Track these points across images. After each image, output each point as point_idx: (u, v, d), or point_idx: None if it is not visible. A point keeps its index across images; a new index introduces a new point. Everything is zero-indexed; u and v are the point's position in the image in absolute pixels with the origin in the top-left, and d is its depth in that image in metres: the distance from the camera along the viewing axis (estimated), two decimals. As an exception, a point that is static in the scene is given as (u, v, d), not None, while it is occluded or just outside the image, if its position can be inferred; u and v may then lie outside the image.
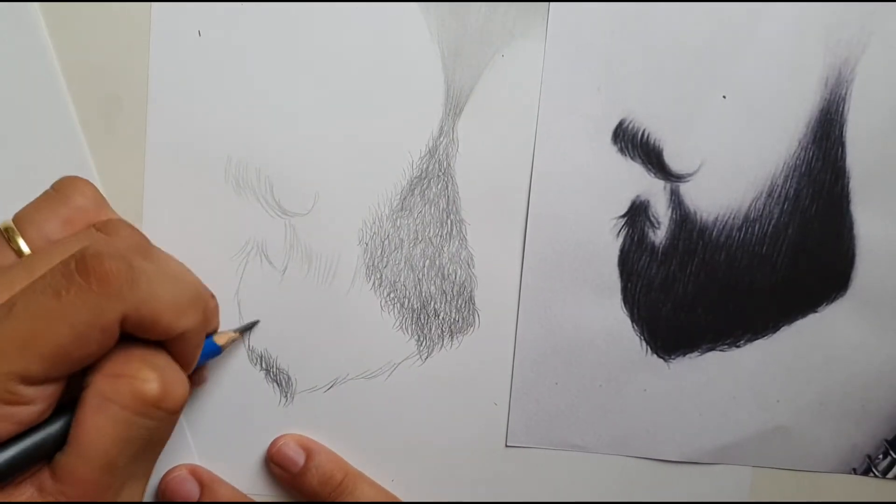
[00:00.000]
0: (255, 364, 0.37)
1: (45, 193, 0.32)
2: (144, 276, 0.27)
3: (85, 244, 0.29)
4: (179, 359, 0.30)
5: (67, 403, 0.28)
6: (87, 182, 0.33)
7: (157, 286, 0.28)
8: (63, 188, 0.32)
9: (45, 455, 0.27)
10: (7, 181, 0.35)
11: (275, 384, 0.38)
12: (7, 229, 0.30)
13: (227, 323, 0.37)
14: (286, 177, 0.36)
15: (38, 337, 0.26)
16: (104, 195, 0.34)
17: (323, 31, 0.36)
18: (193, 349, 0.30)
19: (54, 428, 0.27)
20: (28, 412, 0.26)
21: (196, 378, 0.34)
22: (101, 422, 0.27)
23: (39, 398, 0.26)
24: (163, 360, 0.29)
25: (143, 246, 0.32)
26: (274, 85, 0.36)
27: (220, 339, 0.34)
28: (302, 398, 0.38)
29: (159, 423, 0.28)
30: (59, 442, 0.27)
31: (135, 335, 0.28)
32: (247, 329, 0.37)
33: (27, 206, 0.32)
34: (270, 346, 0.37)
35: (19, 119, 0.35)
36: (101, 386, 0.27)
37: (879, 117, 0.38)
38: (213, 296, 0.34)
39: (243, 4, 0.35)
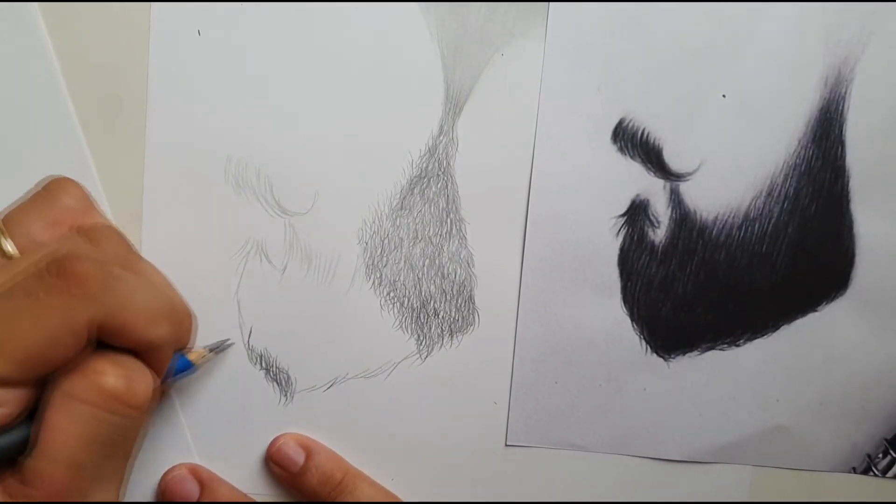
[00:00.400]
0: (255, 363, 0.37)
1: (33, 194, 0.32)
2: (120, 283, 0.27)
3: (65, 248, 0.28)
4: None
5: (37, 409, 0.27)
6: (74, 182, 0.33)
7: (133, 294, 0.28)
8: (50, 189, 0.32)
9: (11, 459, 0.27)
10: (6, 181, 0.35)
11: (274, 383, 0.38)
12: None
13: (226, 322, 0.37)
14: (286, 176, 0.36)
15: (11, 338, 0.26)
16: (104, 195, 0.35)
17: (323, 30, 0.36)
18: (162, 362, 0.30)
19: (22, 432, 0.27)
20: None
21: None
22: (65, 419, 0.27)
23: (9, 401, 0.26)
24: (129, 360, 0.29)
25: (126, 254, 0.32)
26: (274, 85, 0.36)
27: (192, 356, 0.34)
28: (301, 397, 0.38)
29: (124, 419, 0.28)
30: (24, 446, 0.27)
31: (106, 342, 0.28)
32: (220, 348, 0.37)
33: (14, 207, 0.31)
34: (270, 346, 0.37)
35: (19, 119, 0.35)
36: (64, 383, 0.27)
37: (879, 117, 0.38)
38: (190, 313, 0.33)
39: (243, 4, 0.35)
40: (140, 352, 0.29)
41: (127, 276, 0.28)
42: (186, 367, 0.34)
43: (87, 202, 0.33)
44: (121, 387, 0.27)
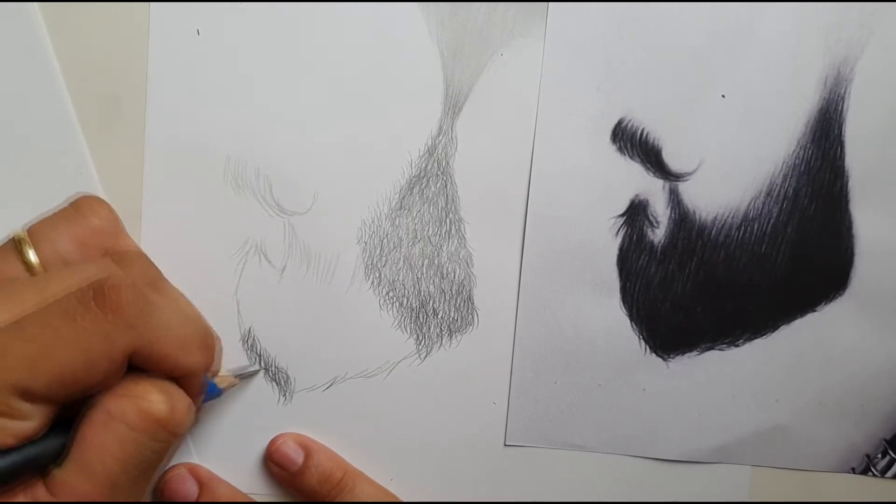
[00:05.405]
0: (254, 363, 0.37)
1: (62, 210, 0.32)
2: (158, 312, 0.28)
3: (102, 273, 0.29)
4: None
5: (62, 420, 0.28)
6: (103, 202, 0.33)
7: (169, 323, 0.28)
8: (80, 207, 0.32)
9: (38, 469, 0.27)
10: (6, 181, 0.35)
11: (273, 383, 0.38)
12: (20, 240, 0.30)
13: (225, 322, 0.37)
14: (285, 176, 0.36)
15: (47, 356, 0.26)
16: (103, 195, 0.35)
17: (322, 30, 0.36)
18: (196, 388, 0.31)
19: (50, 443, 0.27)
20: (23, 427, 0.26)
21: None
22: (105, 439, 0.27)
23: (36, 415, 0.26)
24: (170, 385, 0.29)
25: (157, 281, 0.32)
26: (273, 84, 0.36)
27: (220, 383, 0.35)
28: (301, 397, 0.38)
29: (163, 444, 0.28)
30: (53, 457, 0.27)
31: (139, 368, 0.28)
32: (248, 376, 0.37)
33: (42, 220, 0.32)
34: (269, 345, 0.37)
35: (18, 118, 0.35)
36: (107, 404, 0.27)
37: (878, 117, 0.38)
38: (218, 338, 0.34)
39: (243, 4, 0.35)
40: (172, 377, 0.30)
41: (163, 306, 0.28)
42: (213, 394, 0.34)
43: (116, 224, 0.33)
44: (165, 412, 0.28)
